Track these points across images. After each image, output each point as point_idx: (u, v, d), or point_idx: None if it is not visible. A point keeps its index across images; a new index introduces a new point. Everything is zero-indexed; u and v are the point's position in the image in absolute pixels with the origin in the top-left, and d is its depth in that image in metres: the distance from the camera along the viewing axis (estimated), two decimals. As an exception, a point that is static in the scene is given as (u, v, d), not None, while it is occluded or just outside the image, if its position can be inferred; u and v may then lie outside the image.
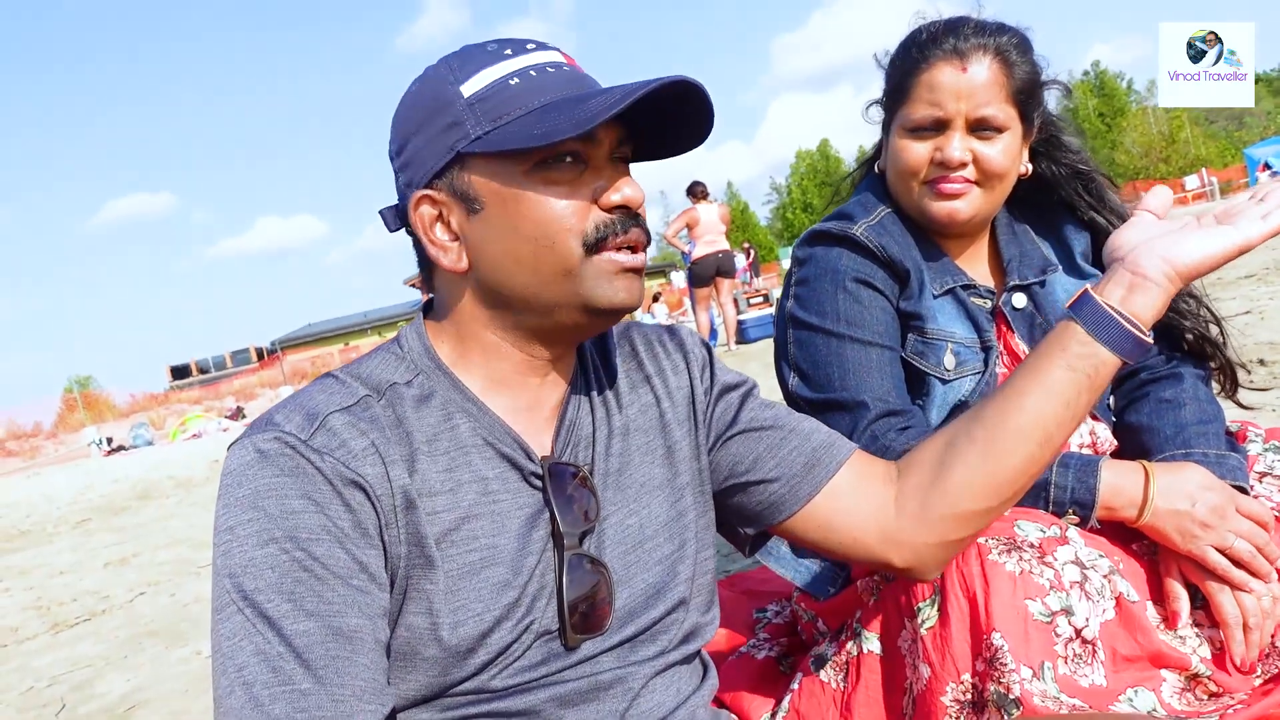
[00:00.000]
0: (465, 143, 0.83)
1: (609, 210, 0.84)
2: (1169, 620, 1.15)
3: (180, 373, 53.02)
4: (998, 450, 0.93)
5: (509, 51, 0.85)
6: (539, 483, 0.89)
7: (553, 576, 0.87)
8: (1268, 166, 23.13)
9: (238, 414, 20.20)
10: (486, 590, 0.83)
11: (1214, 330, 1.44)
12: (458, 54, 0.87)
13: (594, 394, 0.98)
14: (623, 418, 0.99)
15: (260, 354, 52.24)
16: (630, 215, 0.86)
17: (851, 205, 1.45)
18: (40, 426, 26.41)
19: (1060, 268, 1.46)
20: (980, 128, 1.30)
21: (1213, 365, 1.44)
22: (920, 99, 1.31)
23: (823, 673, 1.29)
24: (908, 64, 1.34)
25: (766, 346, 9.38)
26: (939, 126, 1.30)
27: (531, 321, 0.89)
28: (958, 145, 1.29)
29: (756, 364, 7.78)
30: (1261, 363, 3.58)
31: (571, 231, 0.83)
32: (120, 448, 16.51)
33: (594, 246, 0.84)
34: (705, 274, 9.35)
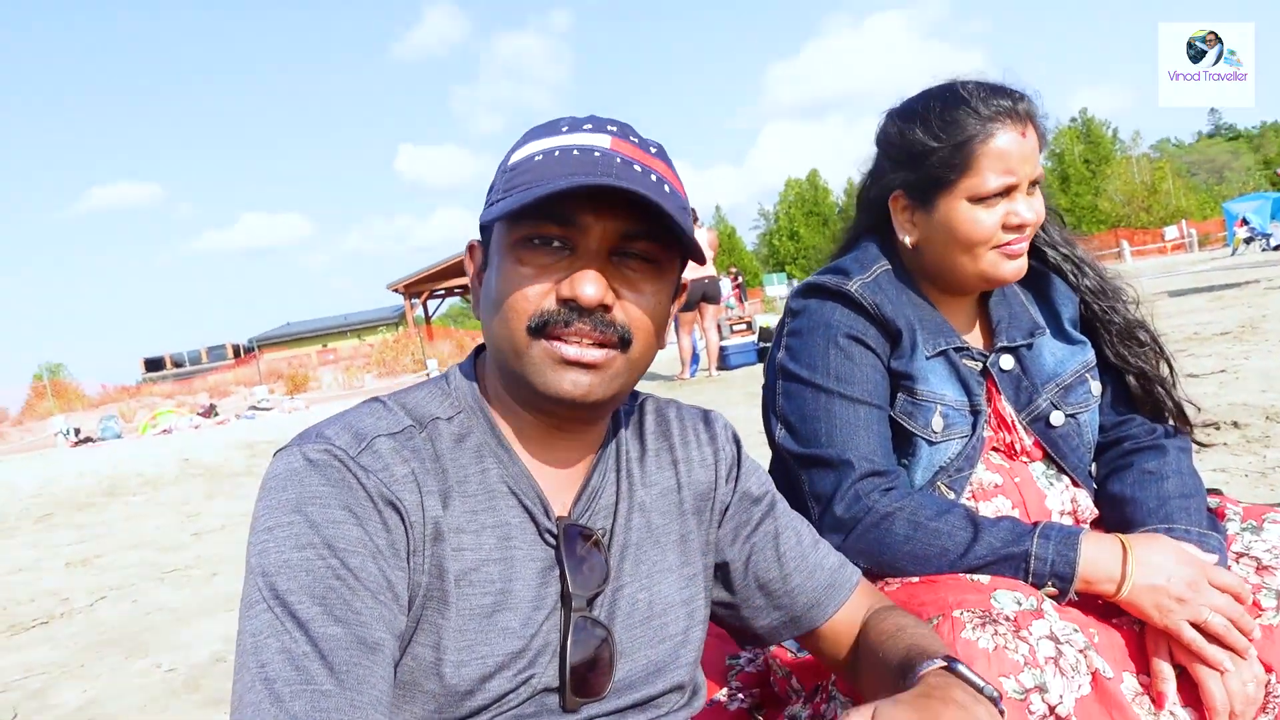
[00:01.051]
0: (486, 207, 0.90)
1: (562, 301, 0.85)
2: (1156, 701, 1.15)
3: (154, 365, 52.36)
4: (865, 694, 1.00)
5: (565, 128, 0.89)
6: (553, 540, 0.91)
7: (557, 636, 0.89)
8: (1245, 222, 23.54)
9: (210, 411, 19.93)
10: (494, 635, 0.85)
11: (1163, 368, 1.46)
12: (539, 124, 0.93)
13: (620, 464, 1.00)
14: (645, 494, 1.00)
15: (237, 351, 51.69)
16: (584, 310, 0.84)
17: (848, 260, 1.45)
18: (6, 413, 25.93)
19: (1048, 331, 1.47)
20: (1032, 185, 1.32)
21: (1165, 405, 1.46)
22: (990, 168, 1.29)
23: (798, 725, 1.28)
24: (966, 132, 1.30)
25: (748, 374, 9.40)
26: (1007, 192, 1.31)
27: (513, 388, 0.91)
28: (1033, 206, 1.32)
29: (738, 392, 7.80)
30: (1235, 425, 3.62)
31: (521, 312, 0.85)
32: (88, 439, 16.26)
33: (537, 331, 0.85)
34: (690, 299, 9.37)
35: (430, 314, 42.25)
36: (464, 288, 39.65)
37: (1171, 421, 1.47)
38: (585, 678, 0.89)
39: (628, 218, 0.85)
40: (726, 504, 1.07)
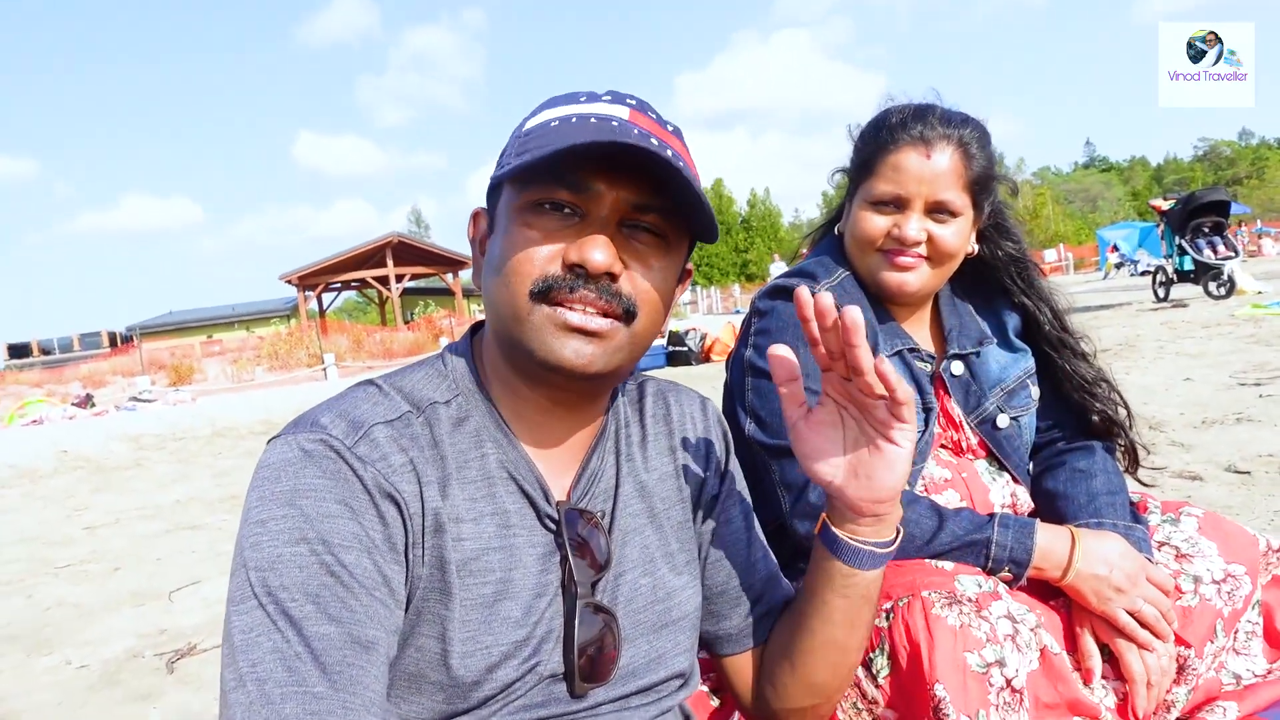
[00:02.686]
0: (497, 170, 0.88)
1: (569, 266, 0.83)
2: (1084, 676, 1.26)
3: (19, 351, 49.01)
4: (807, 668, 1.01)
5: (584, 98, 0.88)
6: (553, 525, 0.89)
7: (560, 622, 0.88)
8: (1116, 248, 25.17)
9: (86, 401, 18.78)
10: (497, 624, 0.83)
11: (1122, 413, 1.59)
12: (558, 95, 0.91)
13: (620, 446, 0.99)
14: (647, 477, 0.99)
15: (114, 339, 48.94)
16: (590, 277, 0.83)
17: (812, 264, 1.53)
18: None
19: (995, 341, 1.58)
20: (937, 210, 1.41)
21: (1119, 444, 1.59)
22: (885, 177, 1.41)
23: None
24: (876, 143, 1.44)
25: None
26: (899, 204, 1.41)
27: (512, 357, 0.89)
28: (914, 225, 1.40)
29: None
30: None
31: (524, 275, 0.83)
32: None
33: (540, 296, 0.83)
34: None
35: (325, 307, 41.01)
36: (362, 281, 38.63)
37: (1124, 461, 1.59)
38: (591, 664, 0.88)
39: (641, 188, 0.83)
40: (713, 497, 1.06)
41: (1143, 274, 18.23)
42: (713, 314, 27.06)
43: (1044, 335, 1.59)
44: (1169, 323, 9.83)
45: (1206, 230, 12.28)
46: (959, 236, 1.43)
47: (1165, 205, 13.03)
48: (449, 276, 40.24)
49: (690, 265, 0.98)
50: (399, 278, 37.48)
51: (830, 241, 1.58)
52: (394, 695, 0.82)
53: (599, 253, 0.81)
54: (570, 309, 0.83)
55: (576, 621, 0.87)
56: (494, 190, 0.90)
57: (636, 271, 0.85)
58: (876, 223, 1.42)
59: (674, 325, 13.31)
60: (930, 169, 1.39)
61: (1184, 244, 12.32)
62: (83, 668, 2.61)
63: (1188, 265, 12.49)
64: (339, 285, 39.93)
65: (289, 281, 37.35)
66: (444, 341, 24.77)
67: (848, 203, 1.53)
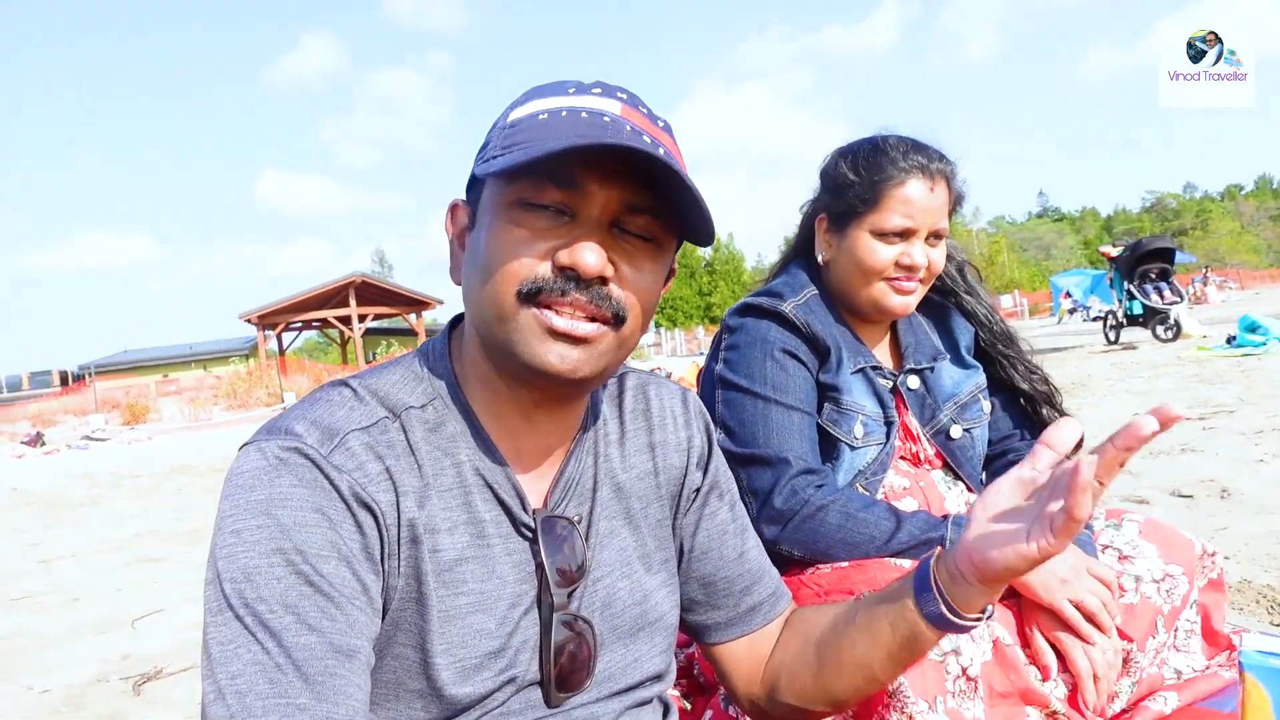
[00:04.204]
0: (479, 164, 0.84)
1: (560, 269, 0.80)
2: (1042, 673, 1.33)
3: (-36, 390, 47.60)
4: (830, 675, 0.98)
5: (572, 90, 0.84)
6: (529, 534, 0.88)
7: (537, 631, 0.87)
8: (1069, 294, 25.84)
9: (36, 440, 18.35)
10: (470, 636, 0.82)
11: (1059, 399, 1.70)
12: (542, 84, 0.88)
13: (599, 447, 0.97)
14: (624, 477, 0.97)
15: (65, 378, 47.74)
16: (581, 281, 0.80)
17: (780, 284, 1.62)
18: None
19: (949, 357, 1.68)
20: (933, 236, 1.51)
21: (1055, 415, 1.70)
22: (895, 210, 1.48)
23: (731, 708, 1.40)
24: (882, 175, 1.50)
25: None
26: (906, 234, 1.50)
27: (493, 357, 0.86)
28: (921, 253, 1.50)
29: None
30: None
31: (511, 276, 0.80)
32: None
33: (528, 298, 0.80)
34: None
35: (285, 347, 40.51)
36: (323, 321, 38.25)
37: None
38: (567, 672, 0.87)
39: (633, 189, 0.80)
40: (696, 490, 1.04)
41: (1094, 319, 18.76)
42: (677, 355, 27.19)
43: (988, 329, 1.69)
44: (1119, 364, 10.15)
45: (1153, 276, 12.72)
46: (944, 257, 1.55)
47: (1114, 252, 13.49)
48: (412, 317, 40.01)
49: (675, 265, 0.94)
50: (361, 318, 37.17)
51: (798, 263, 1.67)
52: (374, 704, 0.82)
53: (592, 256, 0.78)
54: (557, 313, 0.80)
55: (553, 632, 0.86)
56: (475, 183, 0.86)
57: (627, 273, 0.82)
58: (885, 253, 1.49)
59: (637, 365, 13.36)
60: (934, 200, 1.49)
61: (1132, 289, 12.74)
62: (45, 692, 2.57)
63: (1136, 310, 12.90)
64: (300, 325, 39.50)
65: (249, 321, 36.85)
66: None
67: (834, 232, 1.58)
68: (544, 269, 0.79)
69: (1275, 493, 3.34)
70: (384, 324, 45.73)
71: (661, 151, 0.78)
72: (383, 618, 0.80)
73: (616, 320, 0.82)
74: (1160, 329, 12.52)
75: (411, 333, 42.68)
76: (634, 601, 0.95)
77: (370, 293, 37.67)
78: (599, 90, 0.84)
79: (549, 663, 0.86)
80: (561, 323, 0.79)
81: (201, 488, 8.02)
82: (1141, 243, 13.13)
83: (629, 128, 0.80)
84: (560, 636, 0.87)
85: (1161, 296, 12.47)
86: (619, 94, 0.85)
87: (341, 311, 36.79)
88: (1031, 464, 0.81)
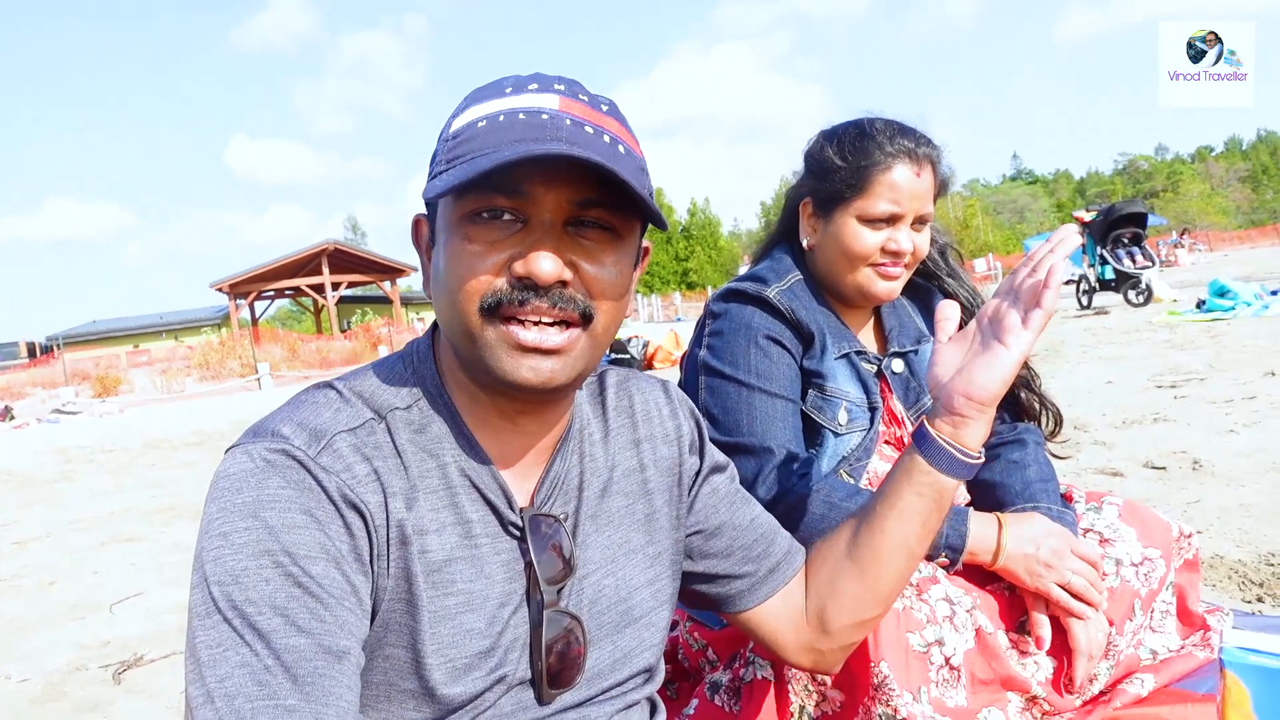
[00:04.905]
0: (428, 180, 0.83)
1: (516, 279, 0.79)
2: (1037, 642, 1.34)
3: (-71, 363, 46.69)
4: (874, 571, 1.04)
5: (509, 89, 0.82)
6: (517, 533, 0.88)
7: (526, 630, 0.87)
8: (1043, 258, 26.04)
9: (4, 414, 18.08)
10: (461, 636, 0.83)
11: (1038, 382, 1.71)
12: (482, 85, 0.86)
13: (584, 447, 0.97)
14: (610, 475, 0.98)
15: (32, 350, 46.94)
16: (539, 288, 0.79)
17: (764, 269, 1.60)
18: None
19: (932, 339, 1.67)
20: (918, 222, 1.50)
21: (1047, 412, 1.71)
22: (882, 196, 1.47)
23: (717, 697, 1.41)
24: (869, 161, 1.48)
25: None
26: (893, 220, 1.48)
27: (469, 371, 0.86)
28: (907, 238, 1.49)
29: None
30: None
31: (471, 292, 0.79)
32: None
33: (490, 312, 0.79)
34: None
35: (258, 316, 40.08)
36: (295, 289, 37.88)
37: (1050, 424, 1.72)
38: (557, 670, 0.88)
39: (582, 185, 0.78)
40: (695, 473, 1.06)
41: (1066, 283, 18.93)
42: (654, 322, 27.19)
43: (969, 313, 1.69)
44: (1091, 329, 10.26)
45: (1126, 241, 12.84)
46: (928, 241, 1.54)
47: (1088, 217, 13.58)
48: (387, 284, 39.67)
49: (648, 243, 0.94)
50: (335, 286, 36.84)
51: (782, 247, 1.66)
52: (366, 704, 0.82)
53: (546, 262, 0.77)
54: (523, 325, 0.79)
55: (545, 628, 0.87)
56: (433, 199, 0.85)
57: (589, 270, 0.81)
58: (872, 239, 1.48)
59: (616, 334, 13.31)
60: (920, 186, 1.47)
61: (1105, 254, 12.86)
62: (24, 681, 2.55)
63: (1109, 274, 13.04)
64: (272, 293, 39.06)
65: (220, 289, 36.41)
66: (383, 350, 24.47)
67: (819, 217, 1.56)
68: (501, 282, 0.79)
69: (1245, 464, 3.39)
70: (358, 292, 45.34)
71: (606, 139, 0.78)
72: (372, 619, 0.80)
73: (585, 319, 0.82)
74: (1132, 294, 12.67)
75: (386, 300, 42.36)
76: (620, 598, 0.96)
77: (344, 260, 37.31)
78: (535, 86, 0.82)
79: (540, 659, 0.86)
80: (530, 336, 0.79)
81: (176, 462, 7.95)
82: (1115, 207, 13.24)
83: (569, 121, 0.78)
84: (552, 633, 0.87)
85: (1134, 261, 12.61)
86: (555, 85, 0.83)
87: (314, 280, 36.43)
88: (944, 331, 1.05)
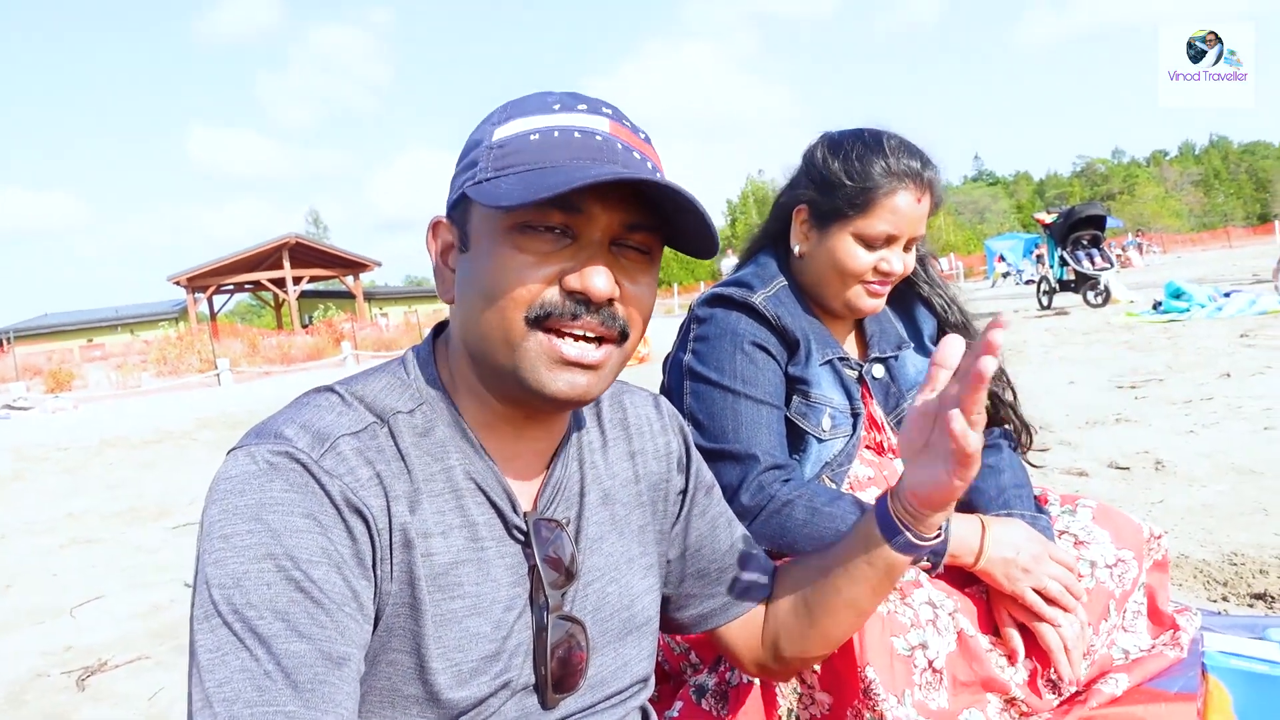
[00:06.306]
0: (470, 185, 0.83)
1: (569, 293, 0.80)
2: (1010, 658, 1.37)
3: (-128, 357, 45.22)
4: (824, 622, 1.07)
5: (557, 106, 0.84)
6: (521, 537, 0.89)
7: (530, 634, 0.88)
8: (1003, 258, 26.54)
9: (-47, 410, 17.57)
10: (466, 640, 0.83)
11: (1009, 395, 1.73)
12: (519, 98, 0.87)
13: (584, 455, 0.98)
14: (610, 484, 1.00)
15: (-18, 343, 45.73)
16: (591, 304, 0.81)
17: (749, 274, 1.61)
18: None
19: (912, 345, 1.70)
20: (911, 242, 1.52)
21: (1008, 425, 1.73)
22: (882, 218, 1.48)
23: (704, 701, 1.41)
24: (873, 182, 1.48)
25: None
26: (888, 241, 1.50)
27: (491, 380, 0.87)
28: (900, 260, 1.51)
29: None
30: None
31: (519, 301, 0.80)
32: None
33: (536, 322, 0.80)
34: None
35: (216, 310, 39.41)
36: (256, 283, 37.27)
37: (1022, 437, 1.74)
38: (560, 675, 0.88)
39: (633, 209, 0.81)
40: (682, 491, 1.08)
41: (1027, 283, 19.28)
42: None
43: (944, 321, 1.72)
44: (1052, 329, 10.45)
45: (1085, 243, 13.11)
46: (915, 259, 1.56)
47: (1049, 219, 13.85)
48: (349, 279, 39.20)
49: None
50: (296, 280, 36.32)
51: (768, 251, 1.66)
52: (369, 711, 0.82)
53: (602, 280, 0.80)
54: (566, 339, 0.81)
55: (550, 631, 0.87)
56: (459, 201, 0.85)
57: (629, 290, 0.84)
58: (866, 259, 1.49)
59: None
60: (920, 210, 1.49)
61: (1065, 255, 13.12)
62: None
63: (1068, 275, 13.30)
64: (231, 287, 38.42)
65: (178, 283, 35.73)
66: (346, 346, 24.15)
67: (814, 227, 1.56)
68: (551, 293, 0.80)
69: (1205, 464, 3.48)
70: (320, 286, 44.73)
71: (650, 165, 0.82)
72: (375, 624, 0.80)
73: (622, 337, 0.84)
74: (1091, 294, 12.94)
75: (348, 295, 41.84)
76: (623, 605, 0.97)
77: (305, 254, 36.82)
78: (584, 107, 0.84)
79: (544, 662, 0.87)
80: (572, 351, 0.81)
81: (135, 462, 7.78)
82: (1075, 210, 13.51)
83: (620, 145, 0.81)
84: (557, 636, 0.88)
85: (1093, 262, 12.88)
86: (604, 109, 0.85)
87: (275, 274, 35.89)
88: (930, 387, 0.89)
